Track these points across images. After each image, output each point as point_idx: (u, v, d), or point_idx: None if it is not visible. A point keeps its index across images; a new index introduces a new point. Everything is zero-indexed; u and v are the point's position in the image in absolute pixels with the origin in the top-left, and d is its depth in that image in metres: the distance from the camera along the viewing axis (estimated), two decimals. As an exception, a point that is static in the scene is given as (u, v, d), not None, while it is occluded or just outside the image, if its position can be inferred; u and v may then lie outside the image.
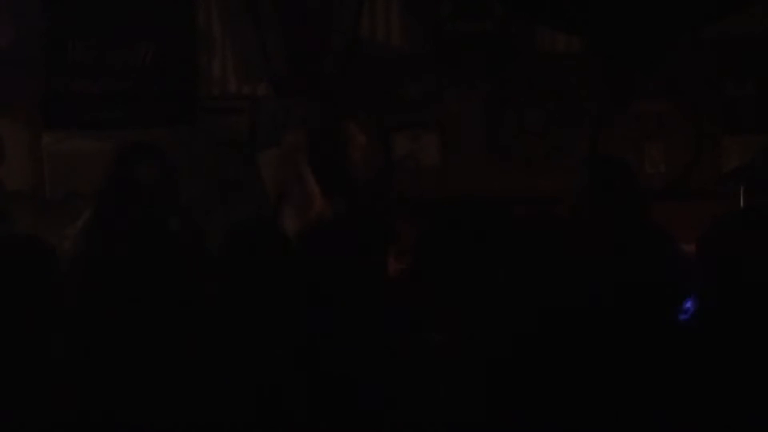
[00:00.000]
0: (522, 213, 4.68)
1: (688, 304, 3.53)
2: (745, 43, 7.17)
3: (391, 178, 6.96)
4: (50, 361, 3.26)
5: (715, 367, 3.27)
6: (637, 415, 3.23)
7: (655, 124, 7.27)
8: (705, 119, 7.24)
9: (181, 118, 6.96)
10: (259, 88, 7.16)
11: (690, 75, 7.18)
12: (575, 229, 3.84)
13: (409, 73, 7.24)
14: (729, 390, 3.25)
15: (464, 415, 3.16)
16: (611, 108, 6.84)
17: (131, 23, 6.86)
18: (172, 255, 3.56)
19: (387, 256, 3.67)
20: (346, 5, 7.12)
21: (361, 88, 7.11)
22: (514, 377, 3.17)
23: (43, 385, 3.20)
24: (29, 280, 3.25)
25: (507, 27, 7.20)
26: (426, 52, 7.25)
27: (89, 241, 4.81)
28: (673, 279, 3.39)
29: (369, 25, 7.24)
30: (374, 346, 3.29)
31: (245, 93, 7.17)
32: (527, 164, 7.23)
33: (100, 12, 6.81)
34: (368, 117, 6.90)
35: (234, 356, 3.29)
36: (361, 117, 6.66)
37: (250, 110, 7.11)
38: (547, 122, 7.26)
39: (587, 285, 3.39)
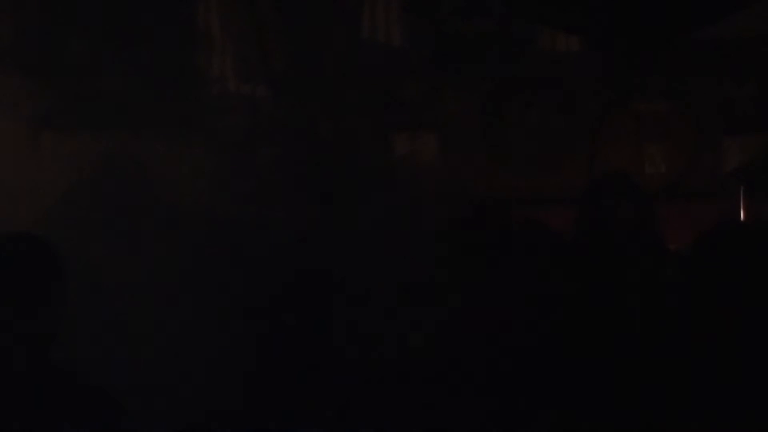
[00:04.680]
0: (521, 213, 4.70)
1: None
2: (745, 43, 7.17)
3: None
4: None
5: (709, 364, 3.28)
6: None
7: (655, 124, 7.27)
8: (705, 119, 7.24)
9: (181, 118, 6.96)
10: (259, 88, 7.16)
11: (690, 75, 7.18)
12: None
13: (409, 73, 7.24)
14: (723, 390, 3.26)
15: None
16: (611, 108, 6.84)
17: (131, 23, 6.86)
18: None
19: None
20: (347, 5, 7.12)
21: (361, 88, 7.11)
22: None
23: None
24: (27, 277, 3.23)
25: (507, 27, 7.20)
26: (426, 52, 7.25)
27: None
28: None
29: (369, 25, 7.24)
30: None
31: (245, 93, 7.17)
32: (527, 164, 7.23)
33: (100, 12, 6.82)
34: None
35: None
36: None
37: (250, 110, 7.11)
38: (547, 122, 7.26)
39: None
